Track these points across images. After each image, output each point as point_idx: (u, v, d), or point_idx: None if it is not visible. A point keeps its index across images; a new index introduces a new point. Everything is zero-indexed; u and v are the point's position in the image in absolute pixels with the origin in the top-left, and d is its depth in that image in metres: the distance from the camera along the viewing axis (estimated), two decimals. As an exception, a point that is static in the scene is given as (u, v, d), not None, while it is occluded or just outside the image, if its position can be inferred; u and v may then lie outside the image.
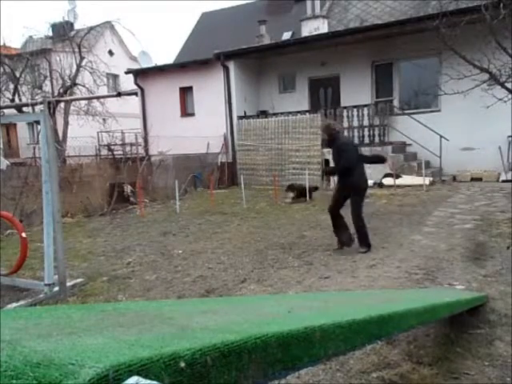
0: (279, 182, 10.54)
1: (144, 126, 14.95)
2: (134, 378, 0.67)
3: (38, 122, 4.17)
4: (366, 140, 11.83)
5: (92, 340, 0.86)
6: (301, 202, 9.20)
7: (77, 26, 18.20)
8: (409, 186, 10.28)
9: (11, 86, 15.45)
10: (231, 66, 13.47)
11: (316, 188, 9.98)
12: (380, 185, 10.78)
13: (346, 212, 5.28)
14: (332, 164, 5.97)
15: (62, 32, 16.59)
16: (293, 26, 15.62)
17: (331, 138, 5.36)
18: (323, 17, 14.14)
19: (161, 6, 79.08)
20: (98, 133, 16.50)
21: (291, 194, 9.47)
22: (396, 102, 12.96)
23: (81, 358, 0.69)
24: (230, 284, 4.20)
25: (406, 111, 12.54)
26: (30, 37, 17.98)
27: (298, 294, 3.80)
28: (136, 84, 15.10)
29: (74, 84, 15.74)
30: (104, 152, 15.04)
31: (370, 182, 10.83)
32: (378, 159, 5.92)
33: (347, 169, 5.11)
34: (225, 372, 0.83)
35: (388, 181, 10.57)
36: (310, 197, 9.43)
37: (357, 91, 13.00)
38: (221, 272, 4.61)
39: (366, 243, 5.13)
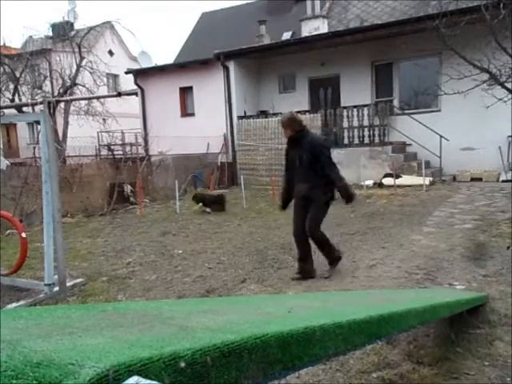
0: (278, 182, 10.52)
1: (144, 126, 14.94)
2: (134, 378, 0.67)
3: (38, 122, 4.16)
4: (366, 140, 11.83)
5: (92, 340, 0.86)
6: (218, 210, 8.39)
7: (77, 26, 18.24)
8: (409, 186, 10.27)
9: (11, 86, 15.46)
10: (231, 66, 13.47)
11: (221, 197, 8.82)
12: (380, 185, 10.78)
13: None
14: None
15: (62, 32, 16.61)
16: (293, 26, 15.62)
17: (298, 134, 4.30)
18: (323, 17, 14.14)
19: (161, 6, 79.19)
20: (98, 133, 16.50)
21: (198, 205, 8.64)
22: (396, 102, 12.95)
23: (81, 358, 0.69)
24: (230, 284, 4.20)
25: (406, 111, 12.53)
26: (30, 37, 17.99)
27: (297, 294, 3.80)
28: (136, 84, 15.10)
29: (74, 84, 15.75)
30: (104, 152, 15.04)
31: (370, 182, 10.90)
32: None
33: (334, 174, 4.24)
34: (225, 372, 0.83)
35: (388, 181, 10.57)
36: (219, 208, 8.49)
37: (357, 91, 12.99)
38: (221, 272, 4.61)
39: (334, 257, 4.42)
